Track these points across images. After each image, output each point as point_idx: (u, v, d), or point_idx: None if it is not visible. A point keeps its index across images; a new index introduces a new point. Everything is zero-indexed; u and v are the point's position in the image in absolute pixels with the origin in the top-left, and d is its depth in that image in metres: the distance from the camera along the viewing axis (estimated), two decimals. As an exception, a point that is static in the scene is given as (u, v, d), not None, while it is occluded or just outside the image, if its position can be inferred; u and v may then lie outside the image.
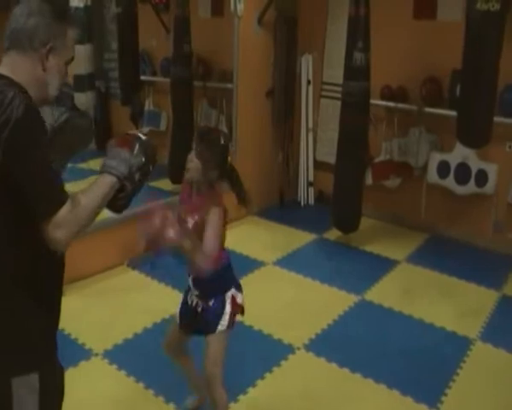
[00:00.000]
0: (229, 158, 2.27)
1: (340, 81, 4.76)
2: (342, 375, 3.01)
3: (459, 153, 4.59)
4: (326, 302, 3.80)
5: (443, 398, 2.84)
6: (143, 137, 1.64)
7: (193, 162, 2.16)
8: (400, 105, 4.79)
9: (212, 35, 5.55)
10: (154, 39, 6.10)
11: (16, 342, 1.52)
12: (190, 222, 2.19)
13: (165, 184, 5.57)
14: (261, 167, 5.37)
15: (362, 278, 4.17)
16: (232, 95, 5.19)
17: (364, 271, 4.34)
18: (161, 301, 3.70)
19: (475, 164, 4.58)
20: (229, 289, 2.31)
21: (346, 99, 4.30)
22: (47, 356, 1.60)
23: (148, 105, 6.29)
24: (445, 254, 4.66)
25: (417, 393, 2.85)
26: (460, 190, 4.68)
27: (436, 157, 4.74)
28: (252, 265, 4.28)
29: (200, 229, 2.13)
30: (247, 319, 3.34)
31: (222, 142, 2.23)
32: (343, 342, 3.31)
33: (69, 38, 1.53)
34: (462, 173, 4.62)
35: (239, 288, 2.36)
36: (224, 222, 2.21)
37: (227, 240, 2.31)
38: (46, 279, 1.56)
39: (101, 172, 1.55)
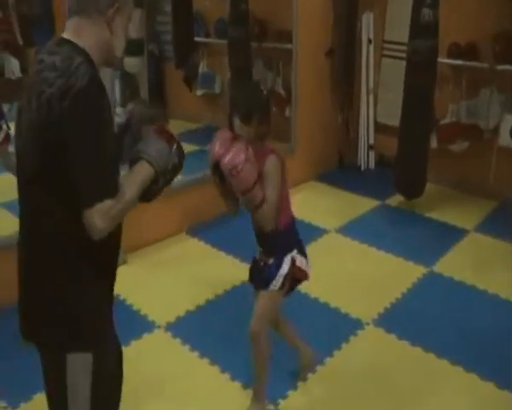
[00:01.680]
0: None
1: (403, 40, 4.49)
2: (415, 354, 2.86)
3: (536, 114, 4.28)
4: (393, 274, 3.64)
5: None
6: (176, 138, 1.59)
7: (242, 130, 2.10)
8: (469, 63, 4.46)
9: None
10: (209, 1, 5.93)
11: (72, 316, 1.47)
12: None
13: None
14: (320, 130, 5.18)
15: (429, 248, 3.99)
16: (289, 56, 4.99)
17: (431, 240, 4.14)
18: (223, 271, 3.65)
19: (552, 125, 4.26)
20: (290, 250, 2.25)
21: (413, 58, 4.04)
22: (102, 336, 1.56)
23: (202, 67, 6.16)
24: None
25: (499, 378, 2.66)
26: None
27: (509, 119, 4.43)
28: (314, 232, 4.15)
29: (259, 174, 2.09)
30: (313, 290, 3.31)
31: (264, 92, 2.26)
32: (414, 318, 3.16)
33: None
34: (538, 135, 4.32)
35: (302, 251, 2.30)
36: (283, 175, 2.17)
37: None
38: (101, 253, 1.50)
39: (141, 157, 1.48)
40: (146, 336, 3.00)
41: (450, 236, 4.18)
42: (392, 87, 5.16)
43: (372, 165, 5.49)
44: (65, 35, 1.43)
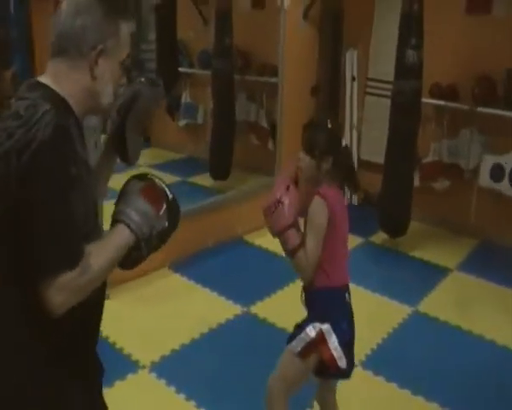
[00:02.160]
0: (344, 142, 2.10)
1: (387, 78, 4.60)
2: (404, 397, 2.84)
3: (515, 155, 4.37)
4: (379, 314, 3.63)
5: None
6: (170, 196, 1.40)
7: (304, 160, 1.99)
8: (450, 104, 4.56)
9: (252, 27, 5.40)
10: (192, 31, 5.97)
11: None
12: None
13: (205, 179, 5.46)
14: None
15: (413, 288, 4.00)
16: (273, 89, 5.04)
17: (415, 279, 4.16)
18: (207, 308, 3.59)
19: (532, 167, 4.35)
20: (322, 320, 1.97)
21: (397, 98, 4.11)
22: None
23: (185, 98, 6.16)
24: (498, 262, 4.45)
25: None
26: (517, 196, 4.45)
27: (489, 160, 4.51)
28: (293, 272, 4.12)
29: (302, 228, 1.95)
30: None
31: (329, 125, 2.02)
32: (401, 360, 3.14)
33: (123, 33, 1.31)
34: (518, 177, 4.40)
35: (340, 329, 1.98)
36: (333, 223, 1.94)
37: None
38: (69, 331, 1.28)
39: (120, 220, 1.30)
40: (130, 376, 2.91)
41: (433, 275, 4.20)
42: (375, 124, 5.23)
43: (355, 201, 5.51)
44: (42, 77, 1.28)
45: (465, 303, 3.81)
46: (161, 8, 5.53)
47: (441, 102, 4.59)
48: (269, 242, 4.46)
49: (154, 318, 3.45)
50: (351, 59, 5.12)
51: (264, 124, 5.54)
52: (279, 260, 3.97)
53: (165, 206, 1.36)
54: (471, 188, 4.74)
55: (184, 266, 4.05)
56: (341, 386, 2.83)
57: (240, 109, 5.56)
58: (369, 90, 5.30)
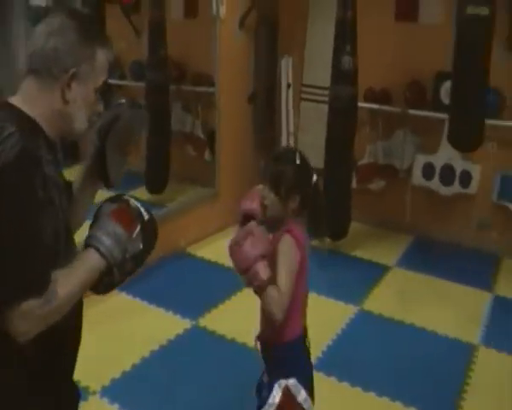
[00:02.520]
0: (315, 178, 1.87)
1: (321, 84, 4.69)
2: (355, 394, 2.92)
3: (444, 154, 4.58)
4: (326, 316, 3.69)
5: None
6: (146, 216, 1.35)
7: (268, 198, 1.79)
8: (384, 107, 4.74)
9: (185, 37, 5.37)
10: (123, 41, 5.87)
11: None
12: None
13: (141, 193, 5.37)
14: (244, 174, 5.22)
15: (357, 287, 4.11)
16: (209, 99, 5.04)
17: (358, 278, 4.27)
18: (154, 326, 3.53)
19: (459, 165, 4.58)
20: (286, 376, 1.80)
21: (334, 104, 4.21)
22: None
23: (117, 110, 6.03)
24: (433, 255, 4.67)
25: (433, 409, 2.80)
26: (445, 190, 4.67)
27: (421, 159, 4.71)
28: (239, 281, 4.13)
29: (271, 260, 1.75)
30: (248, 339, 3.28)
31: (297, 161, 1.82)
32: (351, 359, 3.23)
33: (100, 59, 1.28)
34: (447, 174, 4.62)
35: (306, 381, 1.84)
36: (301, 264, 1.79)
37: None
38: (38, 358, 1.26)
39: (90, 244, 1.27)
40: (81, 404, 2.81)
41: (374, 273, 4.34)
42: (311, 130, 5.34)
43: (294, 206, 5.58)
44: (14, 96, 1.26)
45: (406, 297, 3.97)
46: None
47: (375, 106, 4.76)
48: (212, 253, 4.52)
49: (101, 340, 3.35)
50: (286, 66, 5.20)
51: (201, 134, 5.52)
52: (223, 271, 4.01)
53: (138, 227, 1.32)
54: (405, 187, 4.93)
55: (128, 284, 3.95)
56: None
57: (175, 120, 5.51)
58: (304, 96, 5.40)
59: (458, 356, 3.29)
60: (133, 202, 1.36)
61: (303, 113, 5.44)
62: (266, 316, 1.77)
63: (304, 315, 1.93)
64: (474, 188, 4.57)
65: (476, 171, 4.52)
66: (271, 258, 1.73)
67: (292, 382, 1.80)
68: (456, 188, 4.61)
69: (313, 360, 3.07)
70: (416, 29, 4.61)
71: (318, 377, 2.94)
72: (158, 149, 5.31)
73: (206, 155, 5.40)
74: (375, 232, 5.07)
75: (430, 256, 4.64)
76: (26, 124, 1.21)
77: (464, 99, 3.47)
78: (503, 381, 3.05)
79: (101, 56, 1.29)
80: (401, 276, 4.31)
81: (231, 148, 5.03)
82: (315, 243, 4.71)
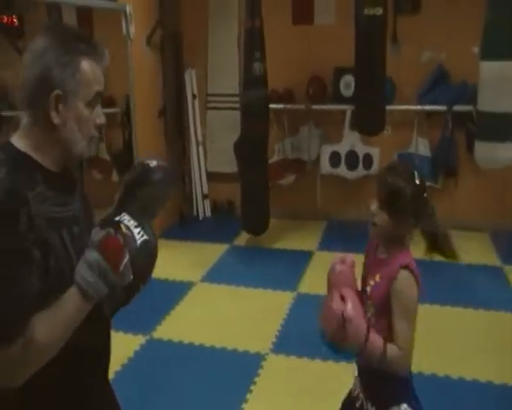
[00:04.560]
0: (426, 196, 1.63)
1: (226, 91, 4.92)
2: (315, 365, 3.17)
3: (347, 142, 5.03)
4: (270, 305, 3.94)
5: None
6: (139, 241, 1.20)
7: (379, 216, 1.61)
8: (289, 106, 5.08)
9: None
10: (10, 68, 5.66)
11: None
12: (369, 283, 1.67)
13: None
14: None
15: (289, 274, 4.40)
16: (111, 119, 5.06)
17: (288, 267, 4.56)
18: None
19: (362, 150, 5.04)
20: (398, 402, 1.64)
21: (248, 108, 4.46)
22: None
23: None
24: (348, 235, 5.05)
25: None
26: (351, 174, 5.12)
27: (327, 149, 5.12)
28: (181, 288, 4.24)
29: (381, 299, 1.60)
30: (206, 340, 3.45)
31: (417, 181, 1.59)
32: (304, 336, 3.40)
33: (85, 71, 1.19)
34: (352, 160, 5.07)
35: (415, 405, 1.66)
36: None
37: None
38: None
39: (75, 281, 1.16)
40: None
41: (301, 259, 4.66)
42: (218, 136, 5.56)
43: (208, 213, 5.77)
44: (14, 135, 1.22)
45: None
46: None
47: (280, 106, 5.09)
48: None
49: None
50: (190, 78, 5.38)
51: (106, 156, 5.50)
52: (160, 283, 4.13)
53: (126, 258, 1.17)
54: (315, 177, 5.32)
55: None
56: (262, 375, 3.11)
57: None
58: (209, 105, 5.61)
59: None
60: (125, 225, 1.21)
61: (210, 121, 5.65)
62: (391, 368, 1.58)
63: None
64: (375, 169, 5.05)
65: (376, 153, 5.01)
66: (385, 292, 1.59)
67: (405, 407, 1.64)
68: (360, 171, 5.07)
69: (270, 345, 3.38)
70: (313, 30, 5.04)
71: (280, 359, 3.27)
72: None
73: (114, 176, 5.39)
74: (292, 224, 5.41)
75: (344, 236, 5.04)
76: (20, 163, 1.18)
77: (367, 89, 3.89)
78: (289, 383, 3.08)
79: (87, 67, 1.19)
80: (324, 257, 4.65)
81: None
82: (237, 241, 4.90)
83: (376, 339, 1.53)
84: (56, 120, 1.18)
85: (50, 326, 1.12)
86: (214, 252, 4.91)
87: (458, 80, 4.82)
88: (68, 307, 1.14)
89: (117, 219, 1.22)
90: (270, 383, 3.06)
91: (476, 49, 4.16)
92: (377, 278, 1.63)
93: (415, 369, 1.72)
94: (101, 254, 1.15)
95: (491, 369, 3.10)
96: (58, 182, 1.23)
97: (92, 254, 1.15)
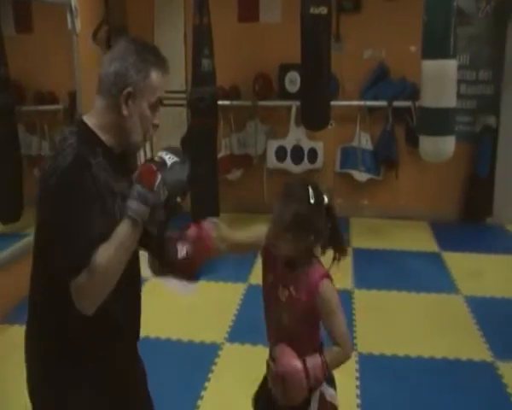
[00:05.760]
0: (326, 200, 1.71)
1: (174, 88, 4.96)
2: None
3: (292, 137, 5.19)
4: (223, 296, 4.04)
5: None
6: (169, 162, 1.44)
7: (282, 238, 1.67)
8: (235, 103, 5.17)
9: (21, 54, 5.20)
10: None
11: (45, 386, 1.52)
12: (283, 293, 1.74)
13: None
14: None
15: (240, 267, 4.43)
16: (54, 117, 5.00)
17: (238, 259, 4.48)
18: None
19: (307, 144, 5.22)
20: (318, 384, 1.75)
21: (198, 104, 4.51)
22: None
23: None
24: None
25: None
26: (296, 168, 5.28)
27: (273, 144, 5.26)
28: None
29: (303, 311, 1.71)
30: (161, 333, 3.49)
31: (311, 200, 1.66)
32: (256, 324, 3.52)
33: (153, 79, 1.45)
34: (297, 154, 5.23)
35: (330, 381, 1.80)
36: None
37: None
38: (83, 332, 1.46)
39: (126, 214, 1.40)
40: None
41: (251, 252, 4.73)
42: (165, 132, 5.56)
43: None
44: (86, 114, 1.49)
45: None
46: None
47: (227, 103, 5.16)
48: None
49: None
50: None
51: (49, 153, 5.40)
52: None
53: (159, 178, 1.39)
54: (261, 171, 5.44)
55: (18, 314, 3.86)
56: (219, 364, 3.19)
57: (22, 142, 5.30)
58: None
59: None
60: (158, 156, 1.47)
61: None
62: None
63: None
64: (320, 162, 5.24)
65: (321, 147, 5.19)
66: (309, 311, 1.70)
67: (323, 387, 1.77)
68: (305, 165, 5.24)
69: (225, 334, 3.46)
70: (258, 28, 5.15)
71: (235, 348, 3.35)
72: (8, 178, 5.02)
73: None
74: (240, 217, 5.48)
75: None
76: (86, 136, 1.44)
77: (312, 85, 4.03)
78: (245, 369, 3.06)
79: (155, 77, 1.46)
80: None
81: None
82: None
83: (317, 364, 1.65)
84: (125, 111, 1.44)
85: (106, 250, 1.34)
86: (165, 247, 4.93)
87: (398, 77, 5.06)
88: (120, 234, 1.37)
89: (156, 153, 1.50)
90: (227, 371, 3.15)
91: (414, 48, 4.39)
92: (292, 290, 1.72)
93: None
94: (138, 182, 1.39)
95: (433, 346, 3.31)
96: (114, 161, 1.48)
97: (134, 187, 1.39)
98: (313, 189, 1.68)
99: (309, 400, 1.74)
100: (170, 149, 1.50)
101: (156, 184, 1.39)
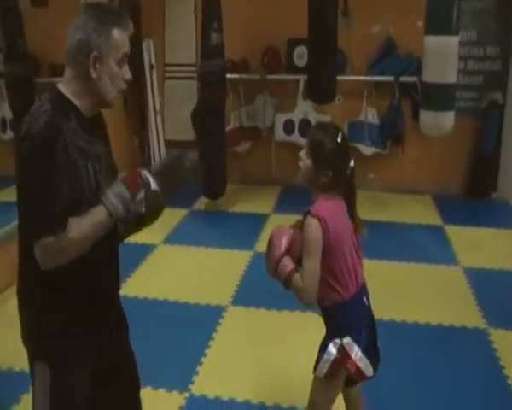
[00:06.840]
0: (352, 164, 1.91)
1: (183, 61, 5.05)
2: (274, 316, 3.45)
3: (300, 110, 5.27)
4: (229, 263, 4.19)
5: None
6: (152, 186, 1.60)
7: (303, 161, 1.89)
8: (244, 76, 5.26)
9: (35, 27, 5.30)
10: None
11: (36, 329, 1.65)
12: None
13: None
14: (119, 156, 5.40)
15: (245, 235, 4.63)
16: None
17: (244, 228, 4.82)
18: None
19: (314, 117, 5.29)
20: (340, 335, 1.88)
21: (207, 77, 4.61)
22: (64, 354, 1.63)
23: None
24: (302, 200, 5.30)
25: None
26: (304, 141, 5.33)
27: (281, 117, 5.35)
28: (144, 250, 4.40)
29: (295, 246, 1.88)
30: (169, 295, 3.65)
31: (338, 139, 1.85)
32: (260, 290, 3.65)
33: (116, 38, 1.53)
34: (305, 127, 5.31)
35: (359, 339, 1.88)
36: (332, 239, 1.83)
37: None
38: (64, 280, 1.58)
39: (102, 201, 1.55)
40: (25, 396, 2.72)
41: (256, 221, 4.91)
42: (176, 105, 5.70)
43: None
44: (60, 82, 1.58)
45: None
46: None
47: (236, 76, 5.26)
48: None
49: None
50: (147, 49, 5.47)
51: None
52: (124, 245, 4.20)
53: (142, 193, 1.57)
54: (269, 144, 5.54)
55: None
56: (223, 324, 3.35)
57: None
58: (167, 75, 5.73)
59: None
60: (145, 173, 1.63)
61: (167, 90, 5.78)
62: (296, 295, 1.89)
63: (355, 277, 1.92)
64: (327, 136, 5.32)
65: (328, 121, 5.27)
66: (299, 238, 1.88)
67: (346, 340, 1.87)
68: (313, 138, 5.32)
69: (230, 298, 3.62)
70: (268, 1, 5.18)
71: (240, 311, 3.52)
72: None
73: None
74: (248, 189, 5.64)
75: (299, 200, 5.26)
76: (60, 102, 1.54)
77: (319, 60, 4.11)
78: (248, 333, 3.30)
79: (117, 35, 1.54)
80: (279, 219, 4.87)
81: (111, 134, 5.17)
82: (196, 206, 5.08)
83: (285, 264, 1.84)
84: (94, 74, 1.53)
85: (79, 228, 1.49)
86: (175, 216, 5.09)
87: (405, 52, 5.12)
88: (95, 218, 1.52)
89: (139, 170, 1.64)
90: (230, 331, 3.31)
91: (421, 24, 4.43)
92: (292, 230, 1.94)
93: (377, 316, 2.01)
94: (124, 184, 1.55)
95: (429, 313, 3.44)
96: (87, 124, 1.58)
97: (118, 184, 1.56)
98: (343, 136, 1.88)
99: (327, 346, 1.91)
100: (154, 176, 1.63)
101: (138, 196, 1.57)
